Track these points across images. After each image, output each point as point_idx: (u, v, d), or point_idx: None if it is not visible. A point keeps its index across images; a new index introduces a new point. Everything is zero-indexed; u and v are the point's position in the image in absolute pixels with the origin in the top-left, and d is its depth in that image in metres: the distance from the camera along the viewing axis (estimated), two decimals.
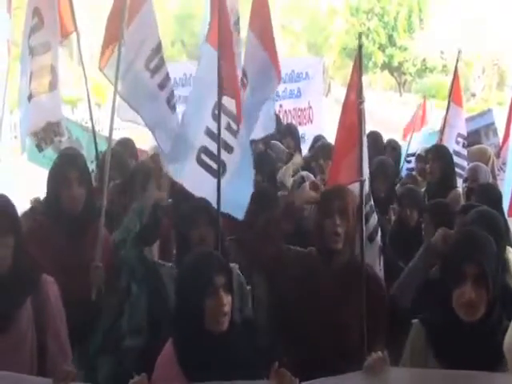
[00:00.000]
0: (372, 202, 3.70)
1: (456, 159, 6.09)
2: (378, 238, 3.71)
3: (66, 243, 3.43)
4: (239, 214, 3.97)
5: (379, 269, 3.65)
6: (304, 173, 4.91)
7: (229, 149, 3.96)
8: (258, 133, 4.52)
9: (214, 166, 3.89)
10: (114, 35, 3.97)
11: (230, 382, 2.47)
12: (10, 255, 2.70)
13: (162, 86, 4.14)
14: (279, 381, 2.46)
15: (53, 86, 4.46)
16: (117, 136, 6.32)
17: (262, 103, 4.81)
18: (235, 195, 3.93)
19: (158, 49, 4.12)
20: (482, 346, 2.54)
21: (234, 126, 4.00)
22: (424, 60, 35.29)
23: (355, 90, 3.60)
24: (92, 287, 3.39)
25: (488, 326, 2.55)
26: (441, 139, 6.58)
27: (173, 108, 4.25)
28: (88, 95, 4.72)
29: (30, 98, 4.52)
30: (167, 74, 4.20)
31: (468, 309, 2.52)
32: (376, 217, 3.71)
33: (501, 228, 3.51)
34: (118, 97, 3.98)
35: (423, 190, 5.48)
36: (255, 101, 4.51)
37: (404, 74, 37.83)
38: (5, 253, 2.69)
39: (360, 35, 3.87)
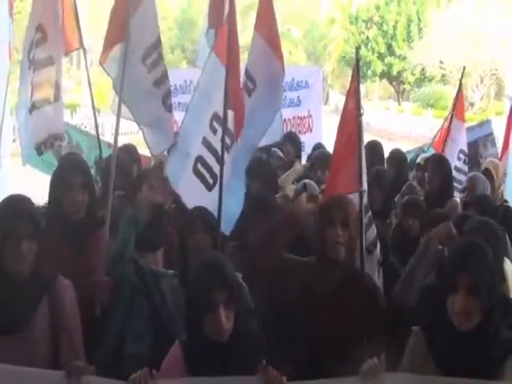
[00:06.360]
0: (370, 214, 3.69)
1: (456, 174, 6.12)
2: (377, 250, 3.69)
3: (66, 250, 3.30)
4: (226, 229, 3.90)
5: (377, 281, 3.64)
6: (307, 181, 4.88)
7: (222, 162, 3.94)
8: (264, 141, 4.44)
9: (209, 177, 3.90)
10: (115, 31, 3.87)
11: (220, 377, 2.51)
12: (33, 259, 2.73)
13: (158, 84, 3.99)
14: (266, 377, 2.49)
15: (55, 98, 4.49)
16: (119, 142, 6.29)
17: (270, 111, 4.55)
18: (224, 209, 3.84)
19: (157, 44, 3.96)
20: (479, 355, 2.54)
21: (228, 141, 3.96)
22: (423, 69, 35.34)
23: (354, 100, 3.59)
24: (96, 302, 3.27)
25: (484, 335, 2.55)
26: (442, 151, 6.58)
27: (169, 108, 4.11)
28: (92, 102, 4.73)
29: (31, 109, 4.53)
30: (165, 72, 4.04)
31: (461, 317, 2.53)
32: (375, 229, 3.69)
33: (499, 238, 3.53)
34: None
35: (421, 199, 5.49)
36: (262, 108, 4.41)
37: (403, 83, 37.90)
38: (31, 257, 2.71)
39: (358, 48, 3.85)
